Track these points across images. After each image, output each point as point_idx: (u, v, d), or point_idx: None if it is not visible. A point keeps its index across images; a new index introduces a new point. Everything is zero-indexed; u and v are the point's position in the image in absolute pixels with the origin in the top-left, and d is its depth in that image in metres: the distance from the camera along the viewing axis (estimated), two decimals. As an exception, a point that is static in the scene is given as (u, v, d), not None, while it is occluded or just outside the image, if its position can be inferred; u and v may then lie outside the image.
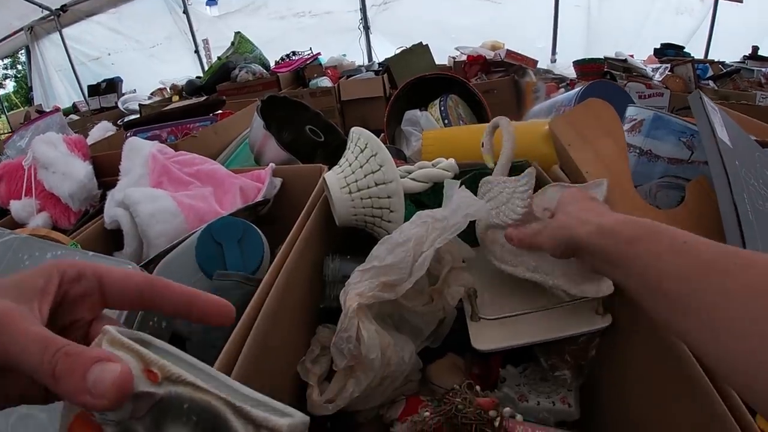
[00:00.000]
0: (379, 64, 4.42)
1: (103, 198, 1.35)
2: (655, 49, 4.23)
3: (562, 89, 3.27)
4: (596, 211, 0.62)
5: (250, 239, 0.91)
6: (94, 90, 4.91)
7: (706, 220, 0.88)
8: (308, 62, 4.29)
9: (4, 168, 1.39)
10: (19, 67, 10.36)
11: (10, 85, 11.05)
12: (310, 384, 0.77)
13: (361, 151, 0.96)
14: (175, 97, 4.13)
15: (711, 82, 3.34)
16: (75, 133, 2.04)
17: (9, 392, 0.33)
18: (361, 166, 0.94)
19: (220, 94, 3.64)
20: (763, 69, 3.61)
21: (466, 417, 0.71)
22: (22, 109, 6.22)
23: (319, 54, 4.51)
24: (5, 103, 8.26)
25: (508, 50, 3.70)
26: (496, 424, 0.70)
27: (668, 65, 3.43)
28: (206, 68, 5.07)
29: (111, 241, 1.12)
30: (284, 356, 0.77)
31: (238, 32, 4.37)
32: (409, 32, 4.73)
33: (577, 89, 1.96)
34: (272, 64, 4.43)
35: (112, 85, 4.84)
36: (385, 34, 5.40)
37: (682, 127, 1.10)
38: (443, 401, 0.74)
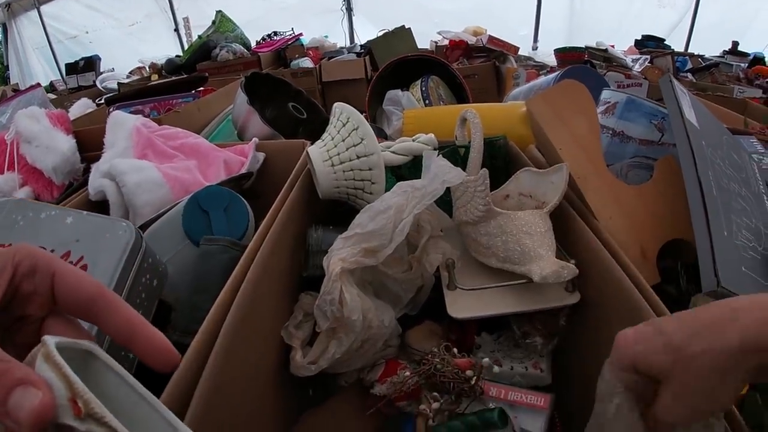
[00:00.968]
0: (361, 46, 4.42)
1: (86, 172, 1.35)
2: (636, 41, 4.28)
3: (542, 76, 3.31)
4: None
5: (235, 208, 0.93)
6: (72, 68, 4.82)
7: (672, 196, 0.92)
8: (290, 43, 4.27)
9: (-15, 142, 1.38)
10: (-4, 45, 10.14)
11: (-14, 64, 10.81)
12: (293, 347, 0.80)
13: (343, 125, 0.98)
14: (154, 76, 4.08)
15: (690, 75, 3.39)
16: (55, 109, 2.03)
17: None
18: (343, 140, 0.97)
19: (200, 73, 3.62)
20: (742, 64, 3.69)
21: (444, 376, 0.76)
22: (-2, 87, 6.11)
23: (300, 35, 4.48)
24: (-20, 82, 8.10)
25: (490, 36, 3.72)
26: (473, 382, 0.75)
27: (648, 57, 3.48)
28: (186, 47, 5.01)
29: (96, 212, 1.12)
30: (269, 321, 0.79)
31: (220, 11, 4.32)
32: (391, 15, 4.72)
33: (555, 74, 2.00)
34: (253, 44, 4.40)
35: (90, 64, 4.76)
36: (367, 16, 5.40)
37: (654, 110, 1.14)
38: (422, 362, 0.78)
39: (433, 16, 5.08)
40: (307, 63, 3.86)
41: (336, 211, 1.09)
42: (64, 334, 0.34)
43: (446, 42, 4.01)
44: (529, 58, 3.93)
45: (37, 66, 6.13)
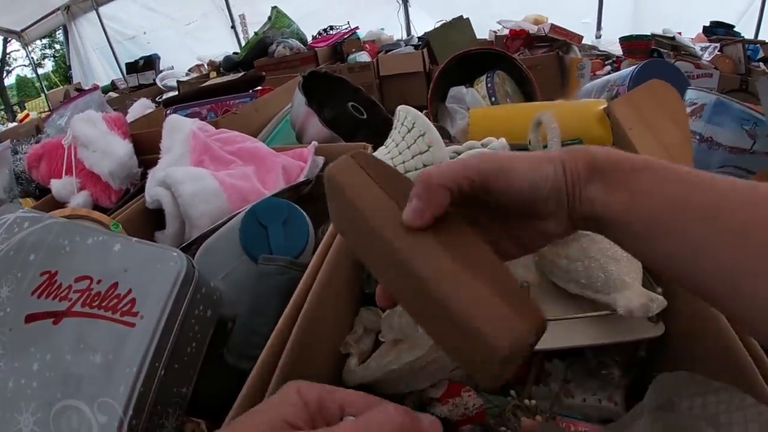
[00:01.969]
0: (419, 38, 4.33)
1: (143, 176, 1.33)
2: (704, 27, 4.06)
3: (608, 67, 3.19)
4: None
5: (294, 221, 0.88)
6: (132, 67, 4.95)
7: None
8: (346, 37, 4.24)
9: (44, 147, 1.39)
10: (57, 46, 10.56)
11: (48, 65, 11.27)
12: (350, 353, 0.78)
13: (408, 131, 0.92)
14: (213, 74, 4.13)
15: (762, 64, 3.19)
16: (114, 110, 2.03)
17: None
18: (409, 147, 0.91)
19: (257, 70, 3.62)
20: None
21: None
22: (61, 87, 6.30)
23: (357, 28, 4.45)
24: (45, 82, 8.41)
25: (552, 24, 3.57)
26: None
27: (717, 45, 3.29)
28: (243, 44, 5.05)
29: (152, 220, 1.11)
30: (327, 343, 0.77)
31: (275, 7, 4.33)
32: (449, 5, 4.62)
33: (631, 68, 1.88)
34: (309, 39, 4.39)
35: (150, 63, 4.87)
36: (424, 7, 5.29)
37: (746, 114, 1.05)
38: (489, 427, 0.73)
39: (491, 4, 4.94)
40: (364, 57, 3.81)
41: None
42: None
43: (506, 32, 3.87)
44: (593, 47, 3.77)
45: (98, 66, 6.31)
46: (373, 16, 5.10)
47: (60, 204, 1.30)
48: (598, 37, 4.47)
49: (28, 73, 10.57)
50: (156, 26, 5.99)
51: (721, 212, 0.35)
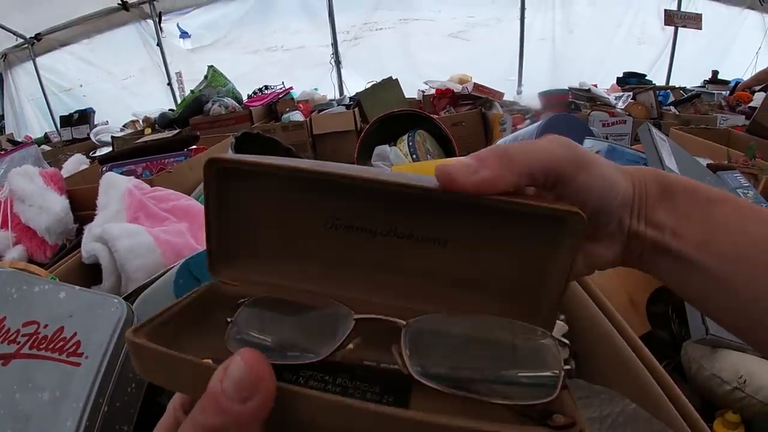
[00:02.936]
0: (350, 98, 4.48)
1: (78, 232, 1.36)
2: (618, 78, 4.38)
3: (528, 120, 3.36)
4: None
5: (226, 273, 0.93)
6: (67, 120, 4.87)
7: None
8: (280, 96, 4.33)
9: (-21, 201, 1.39)
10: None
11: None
12: None
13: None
14: (148, 130, 4.11)
15: (672, 108, 3.47)
16: (48, 163, 2.05)
17: None
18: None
19: (192, 128, 3.66)
20: (723, 92, 3.79)
21: None
22: (-6, 138, 6.12)
23: (291, 88, 4.55)
24: (-24, 131, 8.09)
25: (475, 83, 3.79)
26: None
27: (631, 93, 3.56)
28: (179, 101, 5.07)
29: (88, 275, 1.13)
30: None
31: (211, 66, 4.40)
32: (379, 67, 4.82)
33: (537, 123, 2.04)
34: (245, 98, 4.46)
35: (85, 116, 4.81)
36: (356, 68, 5.49)
37: (636, 156, 1.18)
38: None
39: (420, 66, 5.19)
40: (297, 116, 3.90)
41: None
42: None
43: (433, 91, 4.08)
44: (514, 103, 3.98)
45: (32, 116, 6.16)
46: (307, 77, 5.23)
47: (-6, 258, 1.31)
48: (519, 93, 4.72)
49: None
50: (93, 79, 5.93)
51: None
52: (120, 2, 5.30)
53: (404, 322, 0.33)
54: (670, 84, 4.63)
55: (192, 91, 4.38)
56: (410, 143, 1.88)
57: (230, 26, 5.58)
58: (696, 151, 1.57)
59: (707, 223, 0.35)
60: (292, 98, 4.37)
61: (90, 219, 1.23)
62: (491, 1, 5.31)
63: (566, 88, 3.74)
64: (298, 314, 0.36)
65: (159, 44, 5.60)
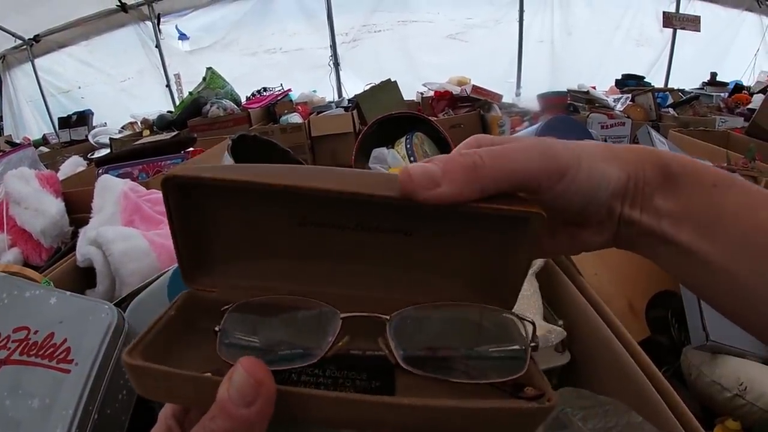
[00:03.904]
0: (349, 100, 4.49)
1: (74, 235, 1.35)
2: (617, 80, 4.39)
3: (526, 122, 3.36)
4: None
5: (220, 278, 0.92)
6: (65, 122, 4.88)
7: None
8: (279, 98, 4.33)
9: (-25, 204, 1.38)
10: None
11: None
12: None
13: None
14: (146, 132, 4.11)
15: (671, 110, 3.48)
16: (45, 165, 2.04)
17: None
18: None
19: (191, 130, 3.66)
20: (722, 94, 3.79)
21: None
22: (-8, 139, 6.10)
23: (289, 90, 4.56)
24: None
25: (473, 85, 3.78)
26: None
27: (629, 95, 3.57)
28: (177, 103, 5.07)
29: (83, 278, 1.12)
30: None
31: (210, 67, 4.39)
32: (378, 69, 4.83)
33: (536, 125, 2.04)
34: (243, 100, 4.46)
35: (83, 118, 4.82)
36: (354, 70, 5.49)
37: None
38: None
39: (418, 68, 5.19)
40: (296, 118, 3.90)
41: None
42: None
43: (432, 93, 4.08)
44: (512, 105, 3.97)
45: (30, 118, 6.14)
46: (306, 79, 5.24)
47: (-11, 261, 1.30)
48: (518, 95, 4.73)
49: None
50: (91, 81, 5.92)
51: None
52: (119, 4, 5.29)
53: (387, 317, 0.36)
54: (669, 86, 4.66)
55: (190, 93, 4.38)
56: (408, 145, 1.87)
57: (229, 28, 5.59)
58: (695, 153, 1.56)
59: (711, 209, 0.33)
60: (291, 100, 4.37)
61: (86, 222, 1.22)
62: (490, 2, 5.32)
63: (565, 90, 3.75)
64: (285, 317, 0.37)
65: (157, 46, 5.61)
